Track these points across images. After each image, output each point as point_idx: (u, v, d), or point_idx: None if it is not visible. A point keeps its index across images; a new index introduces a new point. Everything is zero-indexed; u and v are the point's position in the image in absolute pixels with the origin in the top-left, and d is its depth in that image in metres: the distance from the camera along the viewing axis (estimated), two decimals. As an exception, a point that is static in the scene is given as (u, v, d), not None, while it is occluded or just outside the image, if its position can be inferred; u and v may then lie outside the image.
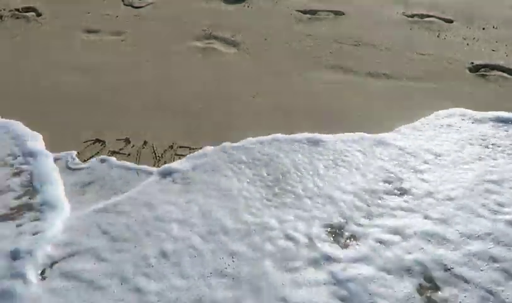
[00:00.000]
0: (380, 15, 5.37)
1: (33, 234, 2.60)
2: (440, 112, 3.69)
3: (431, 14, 5.33)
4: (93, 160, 3.24)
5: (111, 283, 2.32)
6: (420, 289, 2.29)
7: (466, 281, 2.32)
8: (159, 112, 3.80)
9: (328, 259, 2.42)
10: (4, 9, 5.64)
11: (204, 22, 5.27)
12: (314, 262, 2.41)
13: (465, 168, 3.06)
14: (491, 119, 3.57)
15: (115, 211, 2.76)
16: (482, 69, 4.30)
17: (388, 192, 2.87)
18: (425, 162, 3.12)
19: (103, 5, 5.76)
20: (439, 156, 3.18)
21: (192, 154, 3.27)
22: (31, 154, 3.26)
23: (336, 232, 2.59)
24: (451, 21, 5.18)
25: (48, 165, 3.16)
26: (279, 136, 3.40)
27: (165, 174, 3.07)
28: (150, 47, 4.84)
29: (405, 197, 2.84)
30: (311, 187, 2.90)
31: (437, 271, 2.37)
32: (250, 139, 3.38)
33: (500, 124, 3.52)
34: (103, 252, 2.49)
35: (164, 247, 2.50)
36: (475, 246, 2.49)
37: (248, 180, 2.98)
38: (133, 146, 3.40)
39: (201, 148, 3.30)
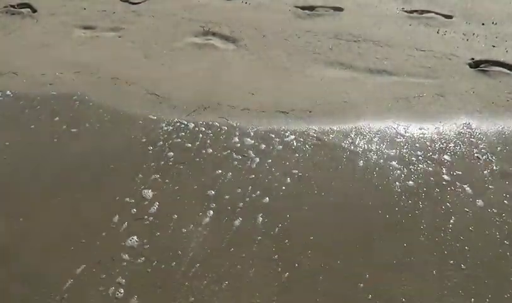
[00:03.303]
0: (379, 11, 5.33)
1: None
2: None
3: (430, 9, 5.29)
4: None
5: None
6: None
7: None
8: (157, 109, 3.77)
9: None
10: (-1, 5, 5.56)
11: (202, 18, 5.21)
12: None
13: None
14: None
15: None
16: (482, 65, 4.28)
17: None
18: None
19: (100, 2, 5.68)
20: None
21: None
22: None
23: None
24: (450, 17, 5.15)
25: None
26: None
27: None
28: (147, 43, 4.78)
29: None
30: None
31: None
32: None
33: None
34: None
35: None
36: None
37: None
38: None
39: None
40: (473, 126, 3.54)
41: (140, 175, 3.09)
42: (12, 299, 2.38)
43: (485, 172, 3.12)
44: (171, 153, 3.28)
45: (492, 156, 3.25)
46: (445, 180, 3.04)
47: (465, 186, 2.99)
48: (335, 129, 3.50)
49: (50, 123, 3.62)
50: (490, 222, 2.76)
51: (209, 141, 3.40)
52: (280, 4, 5.51)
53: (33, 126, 3.59)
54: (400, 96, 3.88)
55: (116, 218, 2.78)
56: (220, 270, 2.50)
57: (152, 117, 3.65)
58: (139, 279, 2.46)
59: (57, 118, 3.67)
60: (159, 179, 3.07)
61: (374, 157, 3.24)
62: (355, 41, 4.72)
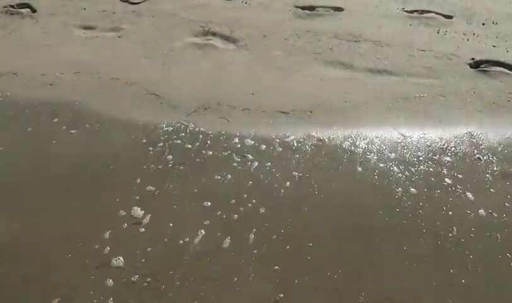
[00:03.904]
0: (379, 11, 5.33)
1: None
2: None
3: (431, 9, 5.29)
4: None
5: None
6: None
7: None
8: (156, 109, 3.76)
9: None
10: (-1, 6, 5.56)
11: (202, 18, 5.21)
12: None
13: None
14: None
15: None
16: (483, 65, 4.28)
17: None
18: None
19: (100, 2, 5.68)
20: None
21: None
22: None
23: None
24: (450, 17, 5.15)
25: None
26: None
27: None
28: (147, 43, 4.78)
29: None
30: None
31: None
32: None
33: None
34: None
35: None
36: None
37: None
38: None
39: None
40: (474, 126, 3.53)
41: (140, 176, 3.08)
42: (12, 299, 2.38)
43: (486, 172, 3.11)
44: (171, 154, 3.27)
45: (493, 157, 3.24)
46: (446, 181, 3.03)
47: (466, 187, 2.99)
48: (336, 129, 3.50)
49: (49, 124, 3.62)
50: (490, 222, 2.76)
51: (209, 142, 3.39)
52: (280, 4, 5.51)
53: (32, 127, 3.58)
54: (400, 96, 3.87)
55: (116, 219, 2.78)
56: (219, 273, 2.50)
57: (152, 118, 3.64)
58: (138, 280, 2.46)
59: (57, 119, 3.66)
60: (159, 180, 3.06)
61: (374, 158, 3.23)
62: (355, 41, 4.72)
